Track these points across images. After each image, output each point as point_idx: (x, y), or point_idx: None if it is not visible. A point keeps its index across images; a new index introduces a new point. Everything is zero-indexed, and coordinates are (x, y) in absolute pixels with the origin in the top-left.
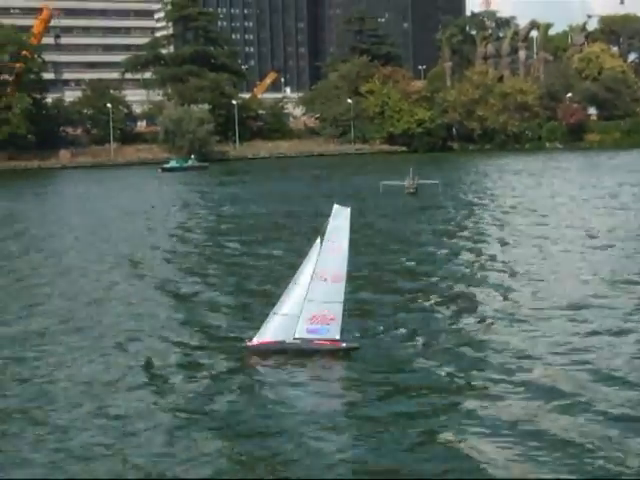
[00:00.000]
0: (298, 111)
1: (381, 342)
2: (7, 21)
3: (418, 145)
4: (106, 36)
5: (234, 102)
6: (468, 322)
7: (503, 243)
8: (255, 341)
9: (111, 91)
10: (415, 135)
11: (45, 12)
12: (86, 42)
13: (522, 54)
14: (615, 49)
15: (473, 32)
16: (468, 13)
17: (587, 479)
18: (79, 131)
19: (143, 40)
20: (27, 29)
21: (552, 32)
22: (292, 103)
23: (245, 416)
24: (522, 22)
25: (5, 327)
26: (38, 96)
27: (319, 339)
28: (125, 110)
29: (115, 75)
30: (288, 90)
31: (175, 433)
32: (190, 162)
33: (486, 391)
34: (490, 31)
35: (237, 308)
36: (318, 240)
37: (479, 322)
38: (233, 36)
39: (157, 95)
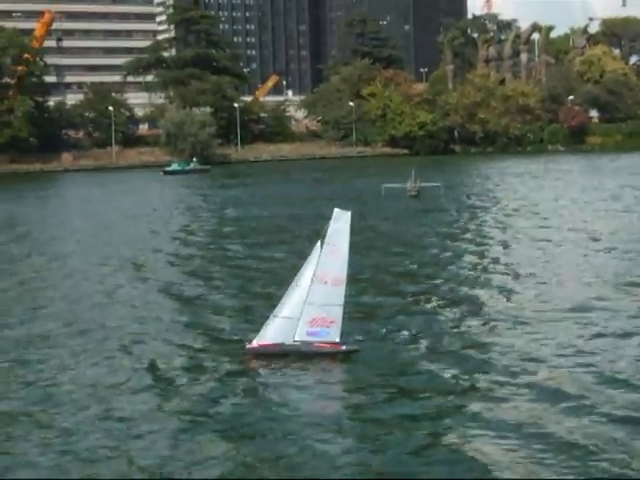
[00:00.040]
0: (300, 114)
1: (382, 345)
2: (9, 24)
3: (420, 148)
4: (108, 39)
5: (236, 105)
6: (471, 324)
7: (506, 246)
8: (255, 343)
9: (113, 94)
10: (417, 138)
11: (47, 15)
12: (88, 45)
13: (524, 57)
14: (617, 52)
15: (475, 35)
16: (470, 16)
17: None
18: (81, 134)
19: (145, 43)
20: (29, 32)
21: (554, 35)
22: (294, 106)
23: (247, 418)
24: (524, 25)
25: (9, 330)
26: (40, 99)
27: (319, 342)
28: (127, 113)
29: (117, 78)
30: (290, 93)
31: (178, 435)
32: (192, 165)
33: (489, 393)
34: (492, 34)
35: (240, 310)
36: (318, 243)
37: (482, 324)
38: (235, 39)
39: (159, 98)
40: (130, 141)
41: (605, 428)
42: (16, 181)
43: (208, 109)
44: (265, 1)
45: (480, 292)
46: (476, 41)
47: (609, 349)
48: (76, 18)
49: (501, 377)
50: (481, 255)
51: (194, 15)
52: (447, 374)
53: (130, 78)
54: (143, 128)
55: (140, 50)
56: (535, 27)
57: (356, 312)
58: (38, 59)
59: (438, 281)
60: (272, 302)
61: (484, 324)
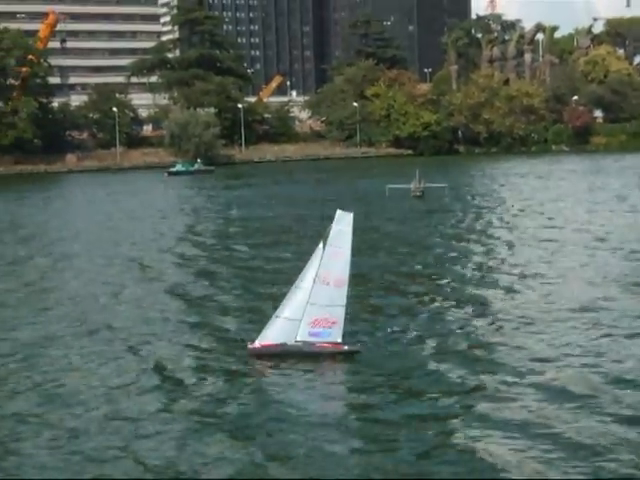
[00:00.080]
0: (304, 114)
1: (386, 345)
2: (13, 25)
3: (424, 148)
4: (112, 40)
5: (240, 106)
6: (476, 325)
7: (511, 246)
8: (257, 344)
9: (117, 95)
10: (421, 138)
11: (51, 16)
12: (92, 46)
13: (528, 57)
14: (621, 52)
15: (479, 35)
16: (474, 16)
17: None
18: (85, 135)
19: (149, 44)
20: (33, 33)
21: (558, 35)
22: (298, 106)
23: (252, 418)
24: (528, 25)
25: (17, 331)
26: (44, 100)
27: (321, 342)
28: (131, 114)
29: (121, 79)
30: (294, 93)
31: (183, 435)
32: (196, 166)
33: (495, 393)
34: (496, 34)
35: (246, 311)
36: (320, 245)
37: (487, 325)
38: (239, 40)
39: (163, 99)
40: (134, 142)
41: (613, 428)
42: (20, 182)
43: (212, 110)
44: (269, 2)
45: (485, 292)
46: (480, 41)
47: (616, 349)
48: (80, 19)
49: (507, 377)
50: (486, 255)
51: (198, 16)
52: (451, 374)
53: (134, 79)
54: (147, 129)
55: (144, 51)
56: (539, 27)
57: (360, 312)
58: (42, 60)
59: (443, 281)
60: (277, 302)
61: (490, 324)
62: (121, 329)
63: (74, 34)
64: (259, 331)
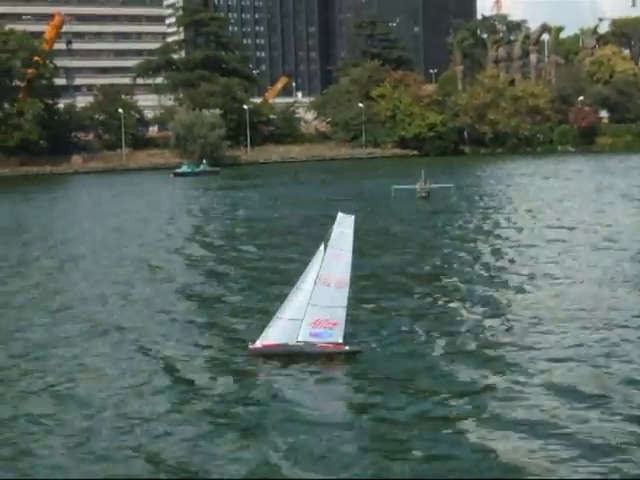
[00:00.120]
0: (309, 115)
1: (391, 345)
2: (19, 27)
3: (430, 149)
4: (118, 41)
5: (245, 107)
6: (482, 324)
7: (519, 246)
8: (258, 344)
9: (123, 96)
10: (426, 139)
11: (57, 18)
12: (98, 47)
13: (533, 57)
14: (627, 52)
15: (484, 36)
16: (479, 17)
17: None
18: (91, 136)
19: (155, 45)
20: (39, 35)
21: (563, 35)
22: (303, 107)
23: (260, 418)
24: (533, 25)
25: (27, 333)
26: (50, 102)
27: (322, 342)
28: (137, 115)
29: (127, 80)
30: (299, 94)
31: (193, 435)
32: (202, 167)
33: (503, 393)
34: (501, 34)
35: (256, 311)
36: (322, 247)
37: (494, 324)
38: (244, 41)
39: (169, 100)
40: (140, 143)
41: (623, 428)
42: (26, 183)
43: (218, 111)
44: (274, 3)
45: (493, 292)
46: (485, 42)
47: (626, 349)
48: (86, 20)
49: (516, 377)
50: (493, 256)
51: (203, 17)
52: (455, 374)
53: (140, 80)
54: (153, 130)
55: (150, 52)
56: (545, 28)
57: (365, 313)
58: (48, 62)
59: (449, 282)
60: None
61: (497, 324)
62: (130, 330)
63: (80, 35)
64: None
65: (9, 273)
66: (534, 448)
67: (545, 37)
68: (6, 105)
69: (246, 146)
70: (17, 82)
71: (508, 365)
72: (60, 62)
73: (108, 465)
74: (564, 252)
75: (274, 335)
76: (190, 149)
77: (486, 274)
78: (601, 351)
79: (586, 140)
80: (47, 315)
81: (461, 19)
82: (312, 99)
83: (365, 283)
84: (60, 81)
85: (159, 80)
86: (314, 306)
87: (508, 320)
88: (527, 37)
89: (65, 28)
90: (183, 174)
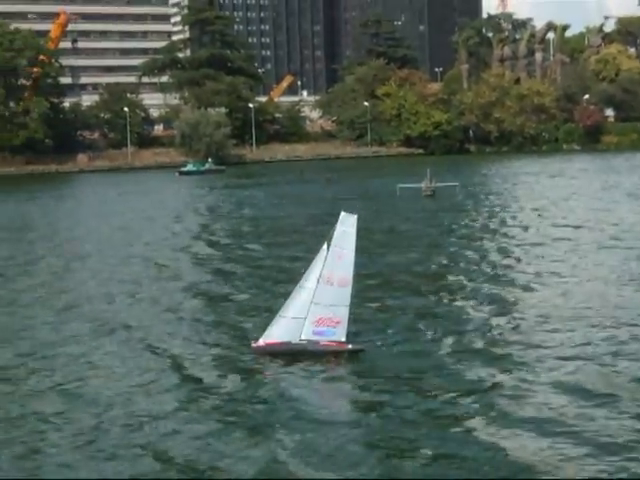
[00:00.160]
0: (315, 114)
1: (396, 344)
2: (25, 26)
3: (435, 147)
4: (123, 40)
5: (251, 105)
6: (489, 323)
7: (525, 245)
8: (261, 342)
9: (128, 95)
10: (432, 138)
11: (62, 17)
12: (103, 46)
13: (539, 56)
14: (632, 50)
15: (489, 34)
16: (484, 15)
17: (617, 479)
18: (96, 135)
19: (160, 44)
20: (44, 34)
21: (569, 34)
22: (309, 106)
23: (267, 417)
24: (539, 24)
25: (35, 331)
26: (55, 100)
27: (325, 340)
28: (142, 114)
29: (132, 79)
30: (305, 93)
31: (201, 434)
32: (207, 165)
33: (508, 391)
34: (506, 33)
35: (263, 310)
36: (325, 246)
37: (501, 323)
38: (249, 39)
39: (174, 99)
40: (145, 142)
41: (632, 426)
42: (32, 182)
43: (223, 110)
44: (280, 1)
45: (499, 291)
46: (491, 40)
47: (634, 347)
48: (91, 19)
49: (523, 375)
50: (499, 254)
51: (209, 16)
52: (461, 373)
53: (145, 79)
54: (158, 129)
55: (155, 51)
56: (550, 26)
57: (370, 311)
58: (54, 60)
59: (454, 280)
60: None
61: (504, 323)
62: (137, 328)
63: (85, 34)
64: None
65: (16, 272)
66: (542, 447)
67: (551, 35)
68: (12, 104)
69: (251, 145)
70: (23, 81)
71: (515, 363)
72: (66, 61)
73: (116, 463)
74: (570, 251)
75: (277, 333)
76: (195, 148)
77: (492, 273)
78: (608, 349)
79: (591, 139)
80: (54, 313)
81: (466, 17)
82: (317, 98)
83: (371, 282)
84: (66, 80)
85: (164, 79)
86: (317, 304)
87: (514, 318)
88: (532, 36)
89: (71, 27)
90: (188, 173)
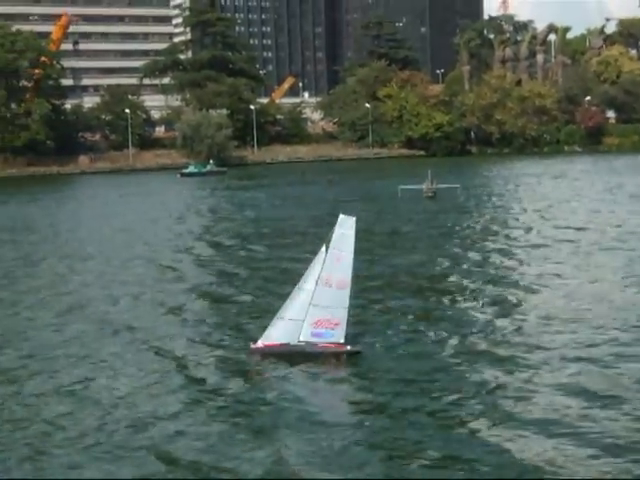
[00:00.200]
0: (316, 116)
1: (398, 345)
2: (26, 28)
3: (436, 149)
4: (124, 42)
5: (252, 107)
6: (492, 325)
7: (527, 246)
8: (260, 343)
9: (129, 97)
10: (433, 139)
11: (64, 18)
12: (104, 48)
13: (540, 58)
14: (633, 52)
15: (491, 36)
16: (486, 17)
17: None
18: (98, 137)
19: (161, 46)
20: (46, 35)
21: (570, 35)
22: (310, 108)
23: (270, 418)
24: (540, 26)
25: (39, 333)
26: (57, 102)
27: (324, 342)
28: (143, 115)
29: (133, 81)
30: (306, 95)
31: (206, 435)
32: (209, 167)
33: (509, 392)
34: (508, 35)
35: (266, 311)
36: (323, 248)
37: (503, 324)
38: (251, 41)
39: (175, 100)
40: (147, 143)
41: (636, 427)
42: (33, 184)
43: (224, 111)
44: (281, 3)
45: (501, 292)
46: (492, 42)
47: (637, 349)
48: (93, 21)
49: (524, 376)
50: (501, 256)
51: (210, 17)
52: (463, 374)
53: (147, 80)
54: (160, 130)
55: (156, 52)
56: (551, 28)
57: (371, 313)
58: (55, 62)
59: (456, 282)
60: None
61: (506, 324)
62: (141, 329)
63: (87, 36)
64: None
65: (19, 273)
66: (546, 448)
67: (552, 37)
68: (13, 105)
69: (253, 146)
70: (24, 82)
71: (518, 365)
72: (67, 62)
73: (121, 464)
74: (573, 252)
75: (276, 335)
76: (197, 149)
77: (494, 274)
78: (612, 351)
79: (593, 140)
80: (58, 315)
81: (468, 19)
82: (319, 99)
83: (372, 283)
84: (67, 81)
85: (166, 80)
86: (315, 306)
87: (517, 320)
88: (534, 37)
89: (72, 29)
90: (190, 174)
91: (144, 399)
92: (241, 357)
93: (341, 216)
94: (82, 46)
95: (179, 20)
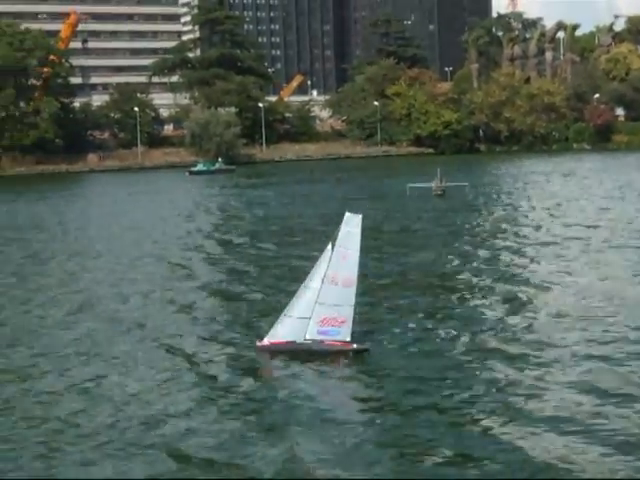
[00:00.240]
0: (325, 114)
1: (408, 343)
2: (35, 26)
3: (445, 147)
4: (133, 40)
5: (261, 105)
6: (502, 322)
7: (537, 244)
8: (266, 341)
9: (138, 95)
10: (442, 137)
11: (72, 17)
12: (113, 46)
13: (549, 55)
14: None
15: (499, 33)
16: (494, 14)
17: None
18: (106, 135)
19: (170, 44)
20: (55, 34)
21: (579, 33)
22: (319, 106)
23: (282, 417)
24: (549, 23)
25: (49, 331)
26: (66, 100)
27: (330, 340)
28: (152, 114)
29: (142, 79)
30: (314, 93)
31: (218, 434)
32: (217, 165)
33: (521, 390)
34: (517, 32)
35: (275, 309)
36: (329, 246)
37: (516, 322)
38: (259, 39)
39: (184, 98)
40: (155, 142)
41: None
42: (42, 182)
43: (233, 109)
44: (289, 1)
45: (512, 290)
46: (501, 40)
47: None
48: (101, 19)
49: (536, 374)
50: (512, 254)
51: (219, 16)
52: (474, 372)
53: (155, 79)
54: (168, 128)
55: (165, 51)
56: (560, 25)
57: (381, 311)
58: (64, 60)
59: (467, 280)
60: None
61: (517, 322)
62: (152, 327)
63: (95, 34)
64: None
65: (29, 271)
66: (558, 446)
67: (561, 35)
68: (22, 104)
69: (261, 144)
70: (33, 81)
71: (528, 363)
72: (76, 61)
73: (132, 462)
74: (583, 250)
75: (282, 333)
76: (205, 147)
77: (503, 272)
78: (623, 348)
79: (602, 138)
80: (69, 313)
81: (476, 17)
82: (327, 97)
83: (380, 281)
84: (76, 80)
85: (174, 78)
86: (322, 304)
87: (527, 318)
88: (542, 35)
89: (81, 27)
90: (199, 172)
91: (155, 397)
92: (251, 355)
93: (347, 214)
94: (91, 44)
95: (188, 18)
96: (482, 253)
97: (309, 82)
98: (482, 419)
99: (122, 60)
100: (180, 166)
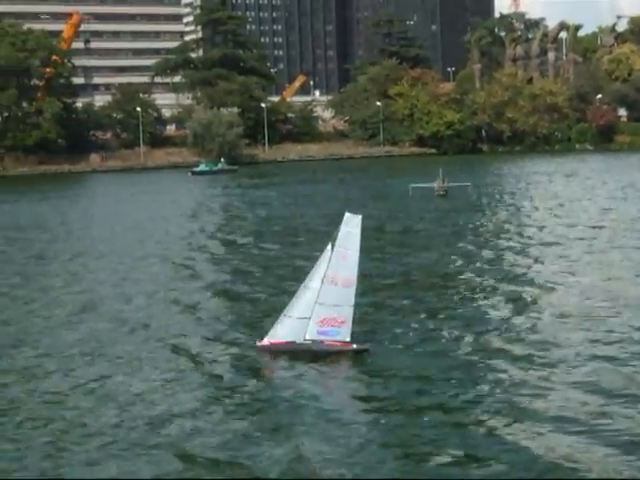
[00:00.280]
0: (327, 114)
1: (411, 344)
2: (37, 26)
3: (447, 147)
4: (136, 40)
5: (263, 105)
6: (508, 322)
7: (541, 244)
8: (266, 341)
9: (141, 95)
10: (444, 137)
11: (75, 17)
12: (116, 46)
13: (551, 55)
14: None
15: (502, 34)
16: (497, 15)
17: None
18: (109, 135)
19: (172, 44)
20: (57, 34)
21: (581, 33)
22: (321, 106)
23: (285, 417)
24: (551, 23)
25: (54, 331)
26: (68, 101)
27: (330, 340)
28: (155, 114)
29: (145, 79)
30: (317, 93)
31: (223, 433)
32: (220, 165)
33: (524, 390)
34: (519, 33)
35: (279, 309)
36: (329, 246)
37: (519, 322)
38: (262, 39)
39: (186, 99)
40: (158, 142)
41: None
42: (45, 182)
43: (235, 109)
44: (292, 1)
45: (515, 290)
46: (503, 40)
47: None
48: (104, 19)
49: (540, 374)
50: (515, 254)
51: (221, 16)
52: (473, 373)
53: (158, 79)
54: (171, 129)
55: (168, 51)
56: (563, 26)
57: (381, 312)
58: (66, 61)
59: (469, 280)
60: None
61: (520, 322)
62: (156, 327)
63: (98, 34)
64: None
65: (32, 271)
66: (563, 446)
67: (563, 35)
68: (25, 104)
69: (264, 144)
70: (36, 81)
71: (532, 363)
72: (78, 61)
73: (138, 462)
74: (586, 250)
75: (282, 333)
76: (208, 147)
77: (506, 272)
78: (627, 348)
79: (604, 138)
80: (73, 313)
81: (479, 17)
82: (330, 97)
83: (383, 282)
84: (78, 80)
85: (177, 79)
86: (321, 305)
87: (530, 318)
88: (545, 35)
89: (83, 27)
90: (201, 172)
91: (160, 397)
92: (255, 355)
93: (347, 214)
94: (93, 44)
95: (190, 18)
96: (485, 253)
97: (311, 82)
98: (487, 419)
99: (124, 60)
100: (182, 166)
